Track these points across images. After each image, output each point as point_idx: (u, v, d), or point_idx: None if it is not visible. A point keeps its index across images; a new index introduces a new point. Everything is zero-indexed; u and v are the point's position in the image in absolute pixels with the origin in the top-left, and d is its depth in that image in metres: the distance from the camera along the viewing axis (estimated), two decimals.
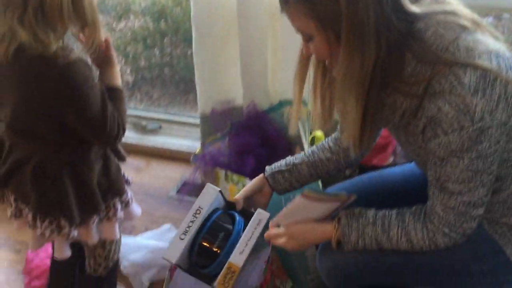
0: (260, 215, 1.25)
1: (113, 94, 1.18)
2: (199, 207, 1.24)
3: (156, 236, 1.80)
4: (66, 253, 1.29)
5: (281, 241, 1.18)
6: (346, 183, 1.38)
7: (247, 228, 1.24)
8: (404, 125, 1.06)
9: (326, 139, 1.34)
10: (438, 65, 0.95)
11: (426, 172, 1.07)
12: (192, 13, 1.76)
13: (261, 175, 1.34)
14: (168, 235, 1.80)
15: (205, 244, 1.23)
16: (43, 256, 1.76)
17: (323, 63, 1.10)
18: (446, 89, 0.93)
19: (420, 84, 0.97)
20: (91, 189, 1.21)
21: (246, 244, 1.21)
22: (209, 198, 1.26)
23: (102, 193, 1.23)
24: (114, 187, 1.26)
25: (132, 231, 1.92)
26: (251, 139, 1.73)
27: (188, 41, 2.67)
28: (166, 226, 1.84)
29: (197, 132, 2.20)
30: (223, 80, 1.90)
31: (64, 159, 1.18)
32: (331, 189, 1.37)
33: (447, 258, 1.11)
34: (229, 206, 1.33)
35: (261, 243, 1.26)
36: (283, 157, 1.33)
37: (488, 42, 0.98)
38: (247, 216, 1.28)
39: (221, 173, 1.66)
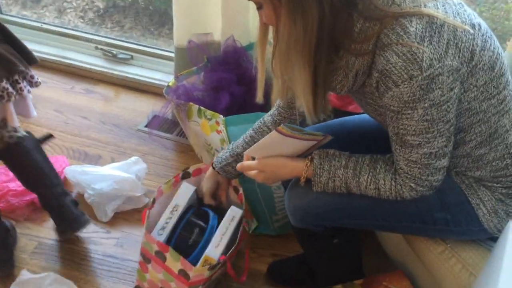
0: (233, 212, 1.35)
1: None
2: (176, 204, 1.35)
3: (122, 168, 1.76)
4: (33, 112, 1.38)
5: (252, 173, 1.21)
6: (319, 126, 1.37)
7: (222, 223, 1.33)
8: (360, 87, 1.05)
9: (262, 119, 1.35)
10: (385, 19, 0.95)
11: None
12: None
13: (210, 169, 1.39)
14: (134, 168, 1.76)
15: (182, 237, 1.32)
16: (3, 180, 1.71)
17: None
18: (393, 40, 0.94)
19: (370, 40, 0.97)
20: None
21: (221, 239, 1.31)
22: (185, 196, 1.36)
23: None
24: None
25: (98, 161, 1.88)
26: (227, 75, 1.68)
27: None
28: (134, 158, 1.80)
29: (170, 65, 2.14)
30: (202, 12, 1.82)
31: None
32: (307, 128, 1.36)
33: (412, 205, 1.13)
34: (202, 202, 1.42)
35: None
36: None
37: None
38: (218, 210, 1.40)
39: (195, 108, 1.62)
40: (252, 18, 1.83)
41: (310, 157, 1.14)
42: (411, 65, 0.92)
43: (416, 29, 0.93)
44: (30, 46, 2.31)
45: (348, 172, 1.10)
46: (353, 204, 1.15)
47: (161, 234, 1.33)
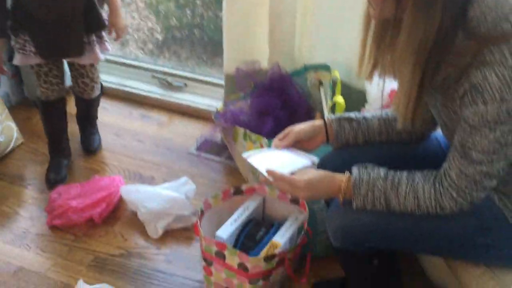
0: (297, 214, 1.54)
1: None
2: (247, 206, 1.58)
3: (173, 188, 1.85)
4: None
5: (299, 185, 1.17)
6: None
7: (287, 221, 1.52)
8: (444, 88, 1.06)
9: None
10: (491, 37, 0.94)
11: (451, 139, 1.07)
12: None
13: (317, 121, 1.32)
14: (184, 188, 1.85)
15: (250, 234, 1.52)
16: (66, 197, 1.84)
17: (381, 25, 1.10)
18: (497, 59, 0.94)
19: (467, 54, 0.97)
20: None
21: (286, 231, 1.49)
22: (254, 201, 1.60)
23: None
24: None
25: (151, 182, 1.99)
26: (272, 100, 1.75)
27: (219, 3, 2.66)
28: (183, 179, 1.89)
29: (221, 92, 2.24)
30: (250, 41, 1.92)
31: None
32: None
33: (453, 227, 1.12)
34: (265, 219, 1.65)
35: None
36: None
37: None
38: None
39: (240, 131, 1.70)
40: (297, 46, 1.91)
41: (348, 170, 1.16)
42: (507, 89, 0.93)
43: None
44: None
45: (387, 183, 1.11)
46: (392, 225, 1.16)
47: (232, 224, 1.50)
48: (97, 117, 2.16)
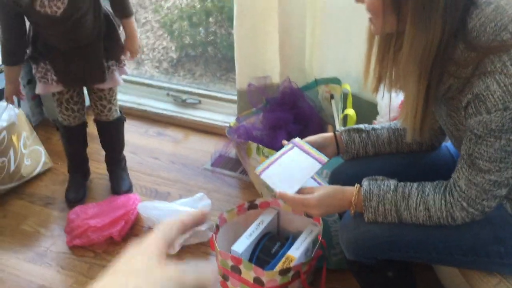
0: (311, 227, 1.55)
1: None
2: (262, 220, 1.59)
3: (189, 203, 1.87)
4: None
5: (311, 203, 1.19)
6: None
7: (302, 234, 1.52)
8: (448, 99, 1.07)
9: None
10: (492, 45, 0.95)
11: (459, 148, 1.07)
12: None
13: (329, 134, 1.34)
14: (200, 203, 1.87)
15: (265, 247, 1.53)
16: (83, 218, 1.87)
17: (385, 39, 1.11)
18: (498, 68, 0.94)
19: (469, 66, 0.98)
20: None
21: (301, 244, 1.49)
22: (269, 215, 1.61)
23: None
24: None
25: (167, 198, 2.02)
26: (284, 115, 1.77)
27: (232, 20, 2.72)
28: (199, 194, 1.91)
29: (235, 108, 2.27)
30: (261, 57, 1.94)
31: None
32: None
33: (465, 237, 1.12)
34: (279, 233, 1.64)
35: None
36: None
37: None
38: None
39: (253, 146, 1.71)
40: (308, 61, 1.93)
41: (359, 184, 1.17)
42: (509, 97, 0.93)
43: None
44: None
45: (397, 195, 1.11)
46: (403, 236, 1.16)
47: (247, 238, 1.51)
48: (125, 159, 2.13)
